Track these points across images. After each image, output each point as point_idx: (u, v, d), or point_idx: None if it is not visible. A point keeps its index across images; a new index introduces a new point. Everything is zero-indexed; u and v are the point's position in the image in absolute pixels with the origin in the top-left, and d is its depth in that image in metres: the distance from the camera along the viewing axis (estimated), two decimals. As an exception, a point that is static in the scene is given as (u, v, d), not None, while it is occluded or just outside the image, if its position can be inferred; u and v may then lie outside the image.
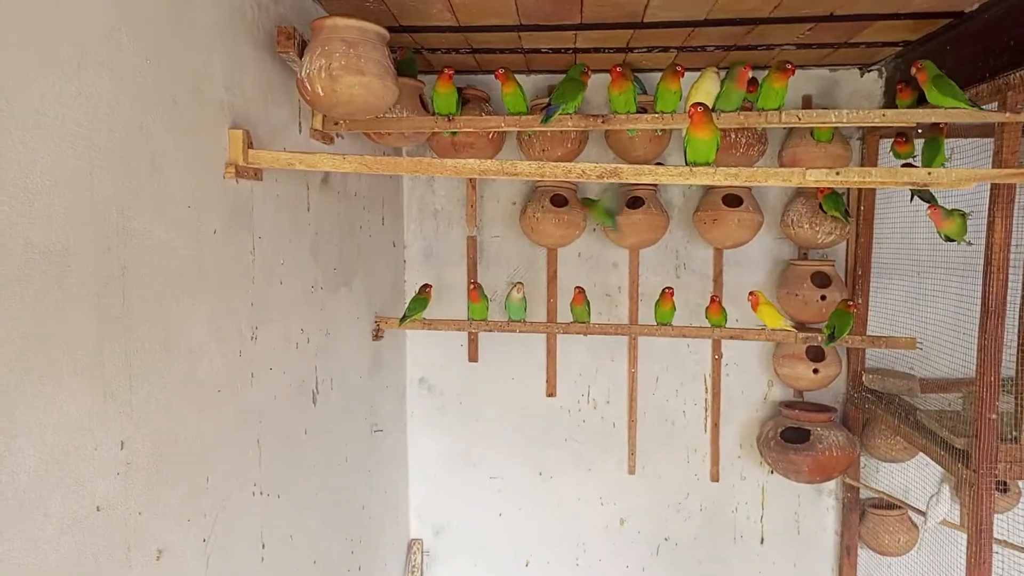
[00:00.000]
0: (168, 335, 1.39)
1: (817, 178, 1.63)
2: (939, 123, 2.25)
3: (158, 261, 1.36)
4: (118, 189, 1.25)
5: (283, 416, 1.93)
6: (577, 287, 2.78)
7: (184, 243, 1.46)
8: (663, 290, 2.71)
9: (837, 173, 1.63)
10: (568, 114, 2.21)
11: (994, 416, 2.03)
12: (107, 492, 1.21)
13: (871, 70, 2.95)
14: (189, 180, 1.48)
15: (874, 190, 2.91)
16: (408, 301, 2.84)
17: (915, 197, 2.51)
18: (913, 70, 2.03)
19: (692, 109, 1.70)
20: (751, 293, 2.62)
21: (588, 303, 2.77)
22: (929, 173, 1.61)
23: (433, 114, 2.30)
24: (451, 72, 2.22)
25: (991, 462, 2.04)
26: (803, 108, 2.95)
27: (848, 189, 2.94)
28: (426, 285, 2.80)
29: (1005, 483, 2.83)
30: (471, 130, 2.37)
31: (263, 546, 1.79)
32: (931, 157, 2.28)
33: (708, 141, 1.69)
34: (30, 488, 1.04)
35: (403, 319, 2.74)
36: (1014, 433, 2.05)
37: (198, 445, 1.50)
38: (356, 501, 2.55)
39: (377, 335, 2.76)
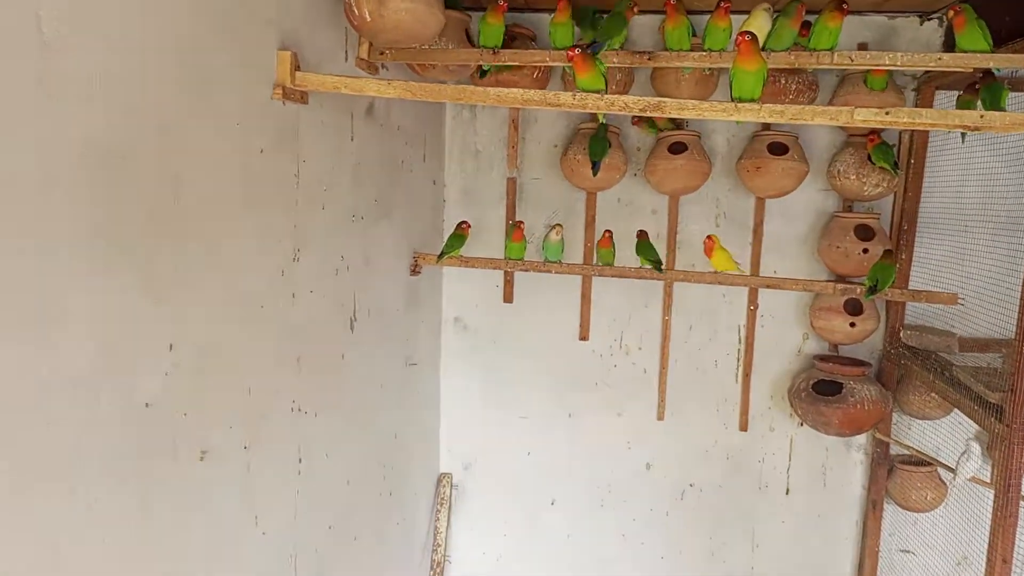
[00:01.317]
0: (216, 246, 1.44)
1: (866, 117, 1.60)
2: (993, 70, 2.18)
3: (208, 173, 1.40)
4: (173, 98, 1.28)
5: (322, 338, 1.98)
6: (606, 230, 2.79)
7: (233, 159, 1.49)
8: (706, 238, 2.68)
9: (887, 113, 1.60)
10: (614, 49, 2.18)
11: (1033, 371, 2.00)
12: (156, 389, 1.27)
13: (931, 18, 2.85)
14: (238, 97, 1.51)
15: (926, 142, 2.83)
16: (446, 239, 2.87)
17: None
18: (950, 13, 1.96)
19: (739, 38, 1.67)
20: (708, 237, 2.65)
21: (614, 246, 2.78)
22: (981, 116, 1.57)
23: (479, 47, 2.29)
24: (504, 5, 2.19)
25: (1026, 417, 2.02)
26: (857, 56, 2.86)
27: (899, 141, 2.87)
28: (463, 222, 2.83)
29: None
30: (517, 64, 2.36)
31: (300, 460, 1.86)
32: (993, 103, 2.21)
33: (754, 73, 1.66)
34: (86, 375, 1.10)
35: (441, 255, 2.77)
36: (1051, 389, 2.03)
37: (241, 356, 1.56)
38: (389, 430, 2.63)
39: (415, 270, 2.80)
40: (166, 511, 1.32)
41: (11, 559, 0.98)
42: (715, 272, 2.73)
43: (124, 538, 1.21)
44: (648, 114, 1.67)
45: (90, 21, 1.08)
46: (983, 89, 2.23)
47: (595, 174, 2.78)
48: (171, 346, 1.30)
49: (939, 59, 1.92)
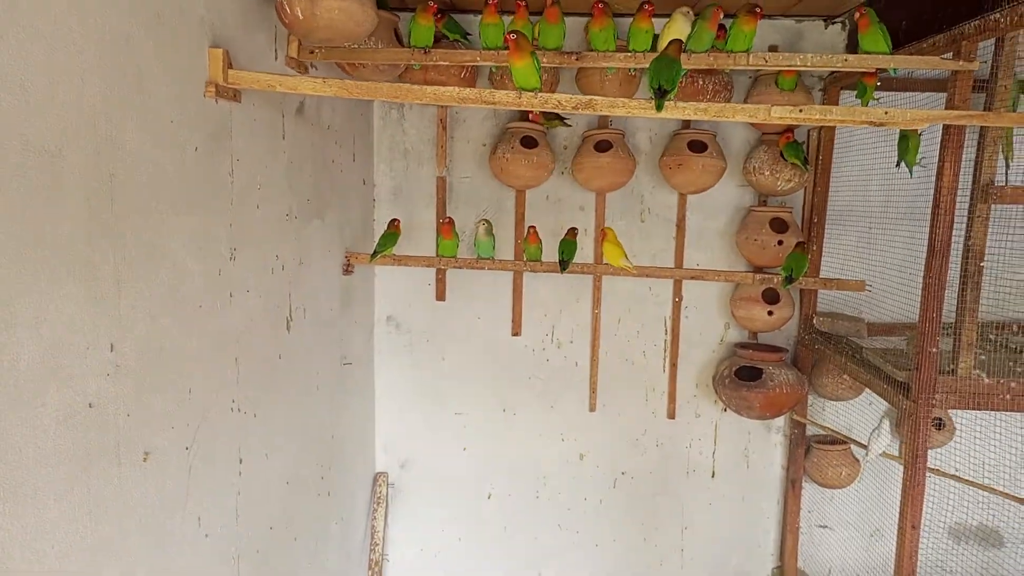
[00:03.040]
0: (153, 246, 1.42)
1: (781, 114, 1.71)
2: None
3: (144, 172, 1.39)
4: (107, 97, 1.27)
5: (259, 339, 1.97)
6: (531, 227, 2.87)
7: (167, 157, 1.48)
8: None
9: (800, 110, 1.71)
10: (544, 50, 2.24)
11: (934, 350, 2.17)
12: (98, 390, 1.25)
13: (835, 22, 3.03)
14: (172, 96, 1.50)
15: (832, 140, 3.01)
16: (377, 239, 2.87)
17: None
18: (856, 15, 2.11)
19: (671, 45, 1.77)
20: (602, 230, 2.81)
21: (541, 242, 2.86)
22: (886, 112, 1.70)
23: (409, 47, 2.31)
24: (434, 6, 2.23)
25: (930, 392, 2.18)
26: (768, 58, 3.02)
27: (807, 139, 3.04)
28: (394, 220, 2.85)
29: (940, 420, 3.01)
30: (446, 64, 2.39)
31: (240, 461, 1.85)
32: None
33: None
34: (29, 377, 1.08)
35: (374, 254, 2.78)
36: (951, 366, 2.20)
37: (181, 357, 1.54)
38: (326, 430, 2.62)
39: (347, 270, 2.80)
40: (111, 514, 1.30)
41: (-44, 565, 0.96)
42: (639, 267, 2.84)
43: (72, 542, 1.19)
44: (580, 112, 1.74)
45: (23, 19, 1.06)
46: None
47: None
48: (112, 346, 1.28)
49: (845, 60, 2.06)
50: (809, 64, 2.08)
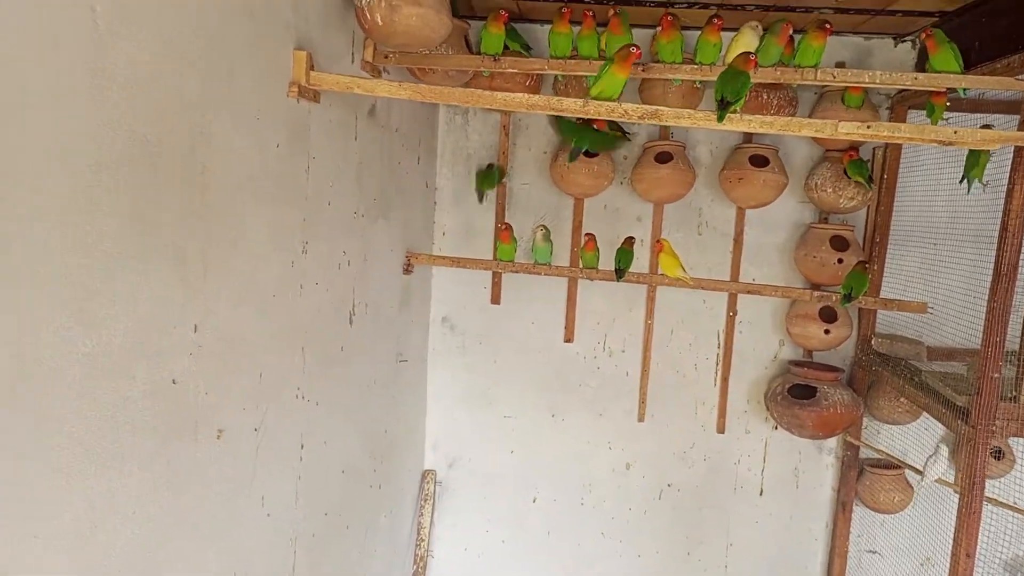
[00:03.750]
0: (236, 235, 1.50)
1: (848, 130, 1.71)
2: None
3: (231, 165, 1.47)
4: (202, 92, 1.35)
5: (324, 330, 2.04)
6: (588, 234, 2.90)
7: (253, 152, 1.56)
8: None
9: (868, 126, 1.71)
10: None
11: (996, 375, 2.13)
12: (182, 368, 1.33)
13: (905, 40, 3.00)
14: (258, 94, 1.58)
15: (898, 159, 2.97)
16: (476, 177, 3.20)
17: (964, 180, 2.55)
18: (923, 35, 2.09)
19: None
20: (657, 241, 2.84)
21: (598, 250, 2.89)
22: (955, 131, 1.69)
23: (479, 54, 2.38)
24: (506, 15, 2.29)
25: (989, 419, 2.14)
26: (835, 75, 3.01)
27: (872, 158, 3.01)
28: (491, 164, 3.13)
29: (1000, 450, 2.94)
30: (514, 71, 2.45)
31: (302, 446, 1.92)
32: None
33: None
34: (123, 350, 1.16)
35: (481, 195, 3.18)
36: (1013, 393, 2.16)
37: (255, 342, 1.62)
38: (380, 424, 2.69)
39: (407, 269, 2.87)
40: (187, 486, 1.37)
41: (52, 529, 1.03)
42: (694, 279, 2.85)
43: (152, 512, 1.26)
44: (645, 121, 1.77)
45: (136, 16, 1.15)
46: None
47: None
48: (196, 327, 1.36)
49: (915, 78, 2.05)
50: (878, 81, 2.08)
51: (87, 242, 1.07)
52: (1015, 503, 2.76)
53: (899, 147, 2.95)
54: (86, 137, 1.05)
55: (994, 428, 2.15)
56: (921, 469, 2.84)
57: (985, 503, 2.33)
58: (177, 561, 1.36)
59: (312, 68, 1.77)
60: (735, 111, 1.74)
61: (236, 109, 1.48)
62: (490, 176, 3.12)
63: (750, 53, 1.80)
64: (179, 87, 1.28)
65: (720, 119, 1.72)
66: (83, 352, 1.07)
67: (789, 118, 1.74)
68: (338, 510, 2.25)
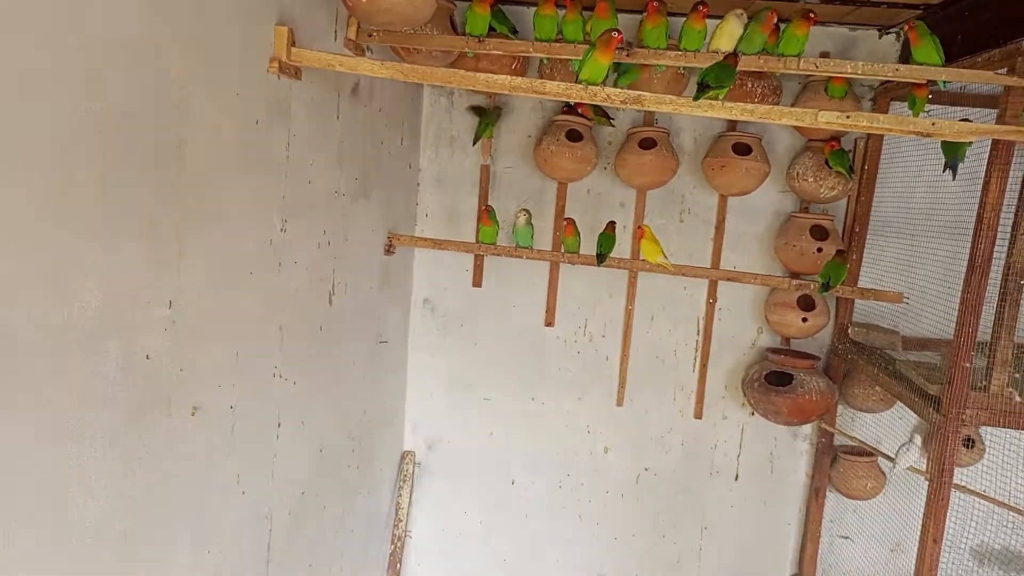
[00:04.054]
0: (213, 212, 1.49)
1: (828, 119, 1.72)
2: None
3: (209, 140, 1.46)
4: (181, 66, 1.34)
5: (303, 309, 2.04)
6: (567, 218, 2.91)
7: (231, 128, 1.55)
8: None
9: (848, 116, 1.72)
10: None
11: (968, 364, 2.16)
12: (156, 344, 1.32)
13: (889, 32, 3.01)
14: (239, 69, 1.57)
15: (879, 151, 2.99)
16: (478, 125, 3.13)
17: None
18: (906, 27, 2.11)
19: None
20: (638, 227, 2.86)
21: (579, 235, 2.90)
22: (933, 123, 1.70)
23: (464, 35, 2.36)
24: (493, -5, 2.28)
25: (960, 407, 2.18)
26: (819, 64, 3.02)
27: (854, 148, 3.03)
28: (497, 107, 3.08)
29: (971, 439, 2.99)
30: (499, 53, 2.44)
31: (279, 425, 1.92)
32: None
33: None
34: (96, 324, 1.16)
35: (477, 139, 3.11)
36: (983, 382, 2.19)
37: (231, 320, 1.61)
38: (359, 405, 2.69)
39: (389, 250, 2.86)
40: (160, 462, 1.37)
41: (20, 500, 1.03)
42: (675, 265, 2.87)
43: (123, 486, 1.26)
44: (628, 106, 1.77)
45: (112, -14, 1.13)
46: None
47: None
48: (170, 303, 1.36)
49: (896, 70, 2.06)
50: (860, 72, 2.09)
51: (60, 215, 1.06)
52: (984, 491, 2.81)
53: (880, 138, 2.97)
54: (59, 110, 1.04)
55: (964, 417, 2.19)
56: (893, 457, 2.89)
57: (954, 491, 2.38)
58: (150, 535, 1.37)
59: (293, 44, 1.75)
60: (715, 97, 1.75)
61: (215, 84, 1.47)
62: (488, 121, 3.11)
63: (738, 55, 1.81)
64: (156, 61, 1.26)
65: (696, 98, 1.73)
66: (54, 324, 1.06)
67: (771, 106, 1.75)
68: (315, 489, 2.26)
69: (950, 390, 2.19)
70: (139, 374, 1.28)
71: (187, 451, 1.47)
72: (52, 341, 1.06)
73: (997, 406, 2.17)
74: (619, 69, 2.58)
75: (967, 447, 2.98)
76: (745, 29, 2.16)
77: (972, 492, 2.66)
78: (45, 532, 1.09)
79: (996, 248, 2.15)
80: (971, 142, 2.32)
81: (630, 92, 1.74)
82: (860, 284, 3.05)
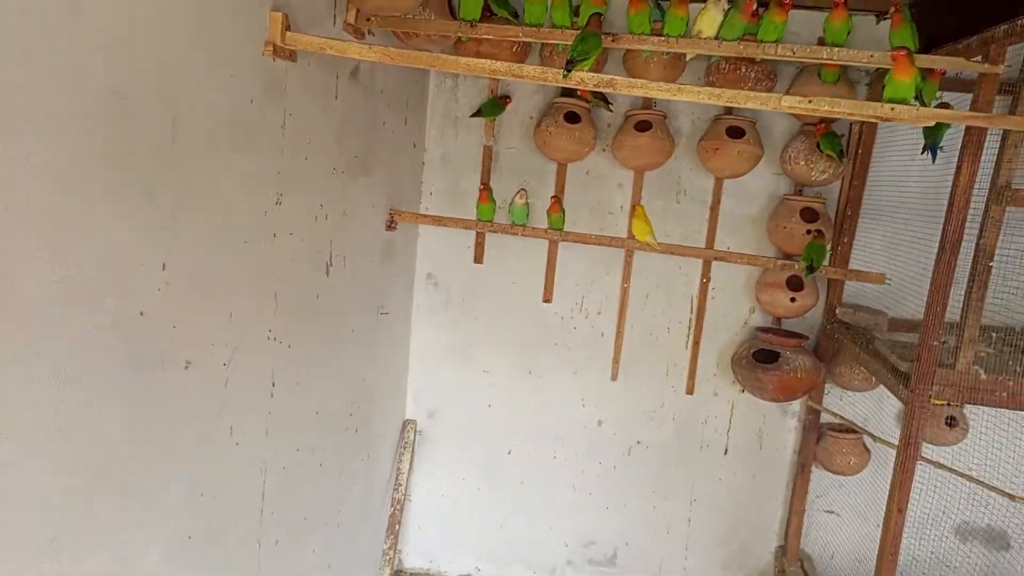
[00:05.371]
0: (207, 183, 1.63)
1: (791, 103, 1.80)
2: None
3: (203, 117, 1.58)
4: (175, 47, 1.46)
5: (299, 278, 2.18)
6: (553, 196, 3.03)
7: (226, 106, 1.68)
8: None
9: (809, 101, 1.80)
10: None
11: (935, 343, 2.24)
12: (150, 301, 1.46)
13: (887, 18, 3.04)
14: (233, 52, 1.69)
15: (874, 135, 3.05)
16: (485, 103, 3.19)
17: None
18: (892, 9, 2.17)
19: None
20: (633, 206, 2.94)
21: (563, 212, 3.05)
22: (892, 108, 1.78)
23: (457, 19, 2.46)
24: (483, -22, 2.38)
25: (927, 383, 2.26)
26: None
27: (849, 132, 3.09)
28: (505, 96, 3.17)
29: (954, 418, 3.05)
30: (497, 38, 2.53)
31: (273, 384, 2.07)
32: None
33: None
34: (92, 281, 1.29)
35: (477, 113, 3.17)
36: (950, 360, 2.27)
37: (225, 284, 1.75)
38: (357, 372, 2.83)
39: (390, 226, 2.99)
40: (154, 410, 1.52)
41: (24, 433, 1.18)
42: (668, 244, 2.96)
43: (119, 428, 1.41)
44: (601, 89, 1.87)
45: (108, -23, 1.26)
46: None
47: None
48: (164, 266, 1.49)
49: (871, 56, 2.13)
50: (837, 58, 2.16)
51: (59, 179, 1.19)
52: (969, 471, 2.88)
53: (874, 123, 3.02)
54: (62, 86, 1.17)
55: (931, 392, 2.27)
56: (876, 435, 2.97)
57: (938, 470, 2.48)
58: (145, 477, 1.52)
59: (288, 29, 1.87)
60: (583, 69, 1.88)
61: (209, 66, 1.59)
62: (495, 106, 3.19)
63: (600, 14, 2.04)
64: (152, 45, 1.39)
65: (564, 76, 1.85)
66: (53, 279, 1.20)
67: (736, 91, 1.83)
68: (310, 448, 2.40)
69: (918, 367, 2.27)
70: (134, 328, 1.42)
71: (181, 401, 1.62)
72: (51, 293, 1.20)
73: (963, 383, 2.25)
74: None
75: (949, 426, 3.05)
76: (725, 15, 2.23)
77: (950, 470, 2.73)
78: (47, 460, 1.24)
79: (968, 231, 2.22)
80: (948, 126, 2.40)
81: (603, 76, 1.84)
82: (851, 266, 3.11)
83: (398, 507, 3.41)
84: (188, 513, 1.70)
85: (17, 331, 1.14)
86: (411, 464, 3.51)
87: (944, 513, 3.22)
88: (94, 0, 1.23)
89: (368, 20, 2.37)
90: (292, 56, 1.95)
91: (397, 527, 3.40)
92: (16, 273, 1.13)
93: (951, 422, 3.05)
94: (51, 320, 1.21)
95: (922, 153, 2.52)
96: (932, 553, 3.28)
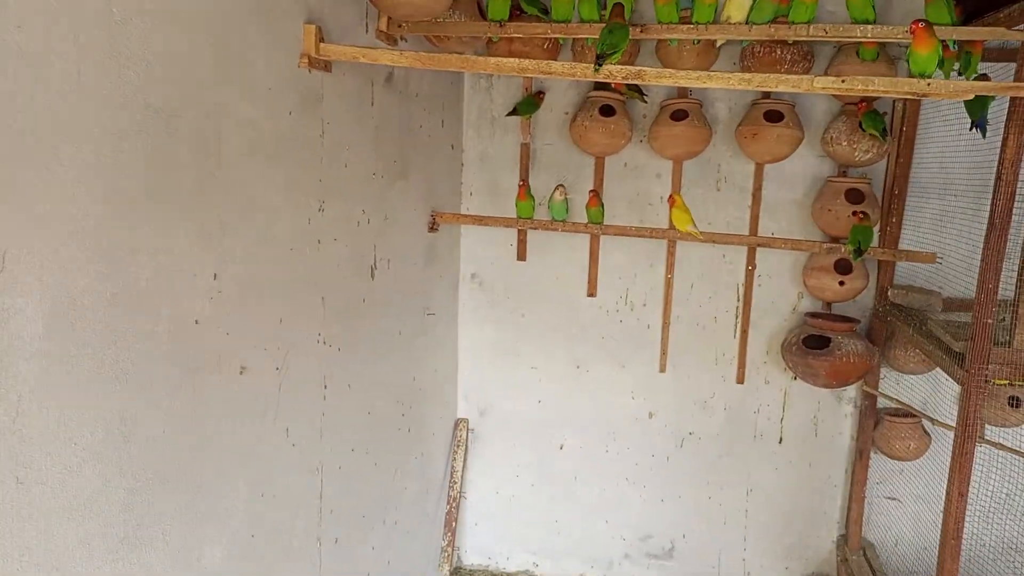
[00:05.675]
0: (251, 194, 1.69)
1: (823, 85, 1.79)
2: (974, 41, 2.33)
3: (245, 131, 1.65)
4: (213, 65, 1.53)
5: (344, 282, 2.24)
6: (591, 190, 3.03)
7: (265, 120, 1.74)
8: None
9: (843, 81, 1.78)
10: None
11: (989, 321, 2.19)
12: (203, 310, 1.53)
13: (925, -9, 2.97)
14: (269, 66, 1.76)
15: (918, 112, 2.98)
16: (521, 101, 3.22)
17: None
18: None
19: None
20: (670, 196, 2.95)
21: (602, 205, 3.07)
22: (928, 84, 1.75)
23: (486, 20, 2.50)
24: (511, -21, 2.41)
25: (983, 363, 2.20)
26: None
27: (892, 110, 3.02)
28: (540, 92, 3.21)
29: (1018, 399, 2.96)
30: (527, 35, 2.55)
31: (325, 386, 2.13)
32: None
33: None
34: (148, 293, 1.37)
35: (513, 112, 3.19)
36: (1005, 338, 2.21)
37: (273, 290, 1.82)
38: (407, 373, 2.89)
39: (432, 227, 3.04)
40: (213, 413, 1.59)
41: (87, 436, 1.25)
42: (709, 233, 2.95)
43: (181, 431, 1.48)
44: (630, 81, 1.88)
45: (147, 4, 1.33)
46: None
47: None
48: (215, 275, 1.56)
49: (906, 32, 2.09)
50: (869, 36, 2.13)
51: (111, 198, 1.26)
52: (1033, 451, 2.80)
53: (917, 100, 2.95)
54: (107, 110, 1.24)
55: (987, 372, 2.21)
56: (934, 418, 2.90)
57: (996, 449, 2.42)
58: (207, 477, 1.59)
59: (322, 40, 1.93)
60: (612, 63, 1.90)
61: (248, 81, 1.66)
62: (530, 104, 3.22)
63: (622, 5, 2.06)
64: (192, 65, 1.46)
65: (595, 70, 1.85)
66: (110, 292, 1.27)
67: (767, 75, 1.82)
68: (364, 447, 2.47)
69: (972, 346, 2.22)
70: (189, 336, 1.49)
71: (237, 405, 1.69)
72: (108, 305, 1.27)
73: (1019, 361, 2.19)
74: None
75: (1014, 407, 2.96)
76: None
77: (1005, 448, 2.65)
78: (111, 463, 1.31)
79: (1018, 205, 2.16)
80: (992, 99, 2.33)
81: (631, 68, 1.85)
82: (901, 246, 3.05)
83: (454, 504, 3.46)
84: (250, 512, 1.77)
85: (78, 341, 1.22)
86: (465, 462, 3.57)
87: (1012, 497, 3.12)
88: (131, 25, 1.29)
89: (400, 26, 2.42)
90: (327, 67, 2.01)
91: (454, 524, 3.45)
92: (74, 287, 1.20)
93: (1015, 402, 2.96)
94: (108, 328, 1.28)
95: (970, 129, 2.45)
96: (1000, 538, 3.18)
